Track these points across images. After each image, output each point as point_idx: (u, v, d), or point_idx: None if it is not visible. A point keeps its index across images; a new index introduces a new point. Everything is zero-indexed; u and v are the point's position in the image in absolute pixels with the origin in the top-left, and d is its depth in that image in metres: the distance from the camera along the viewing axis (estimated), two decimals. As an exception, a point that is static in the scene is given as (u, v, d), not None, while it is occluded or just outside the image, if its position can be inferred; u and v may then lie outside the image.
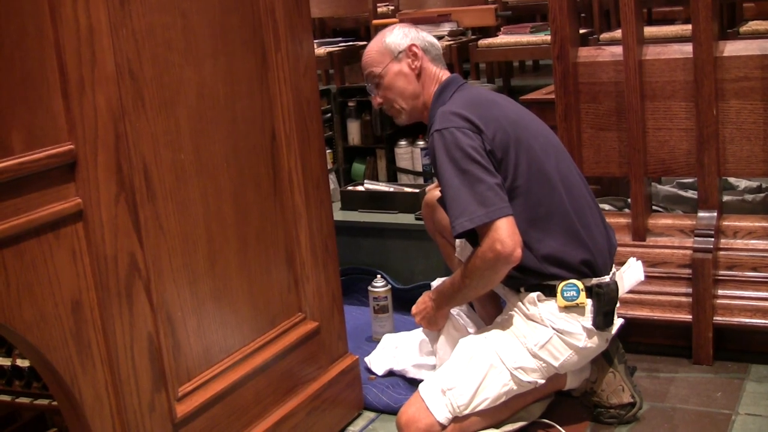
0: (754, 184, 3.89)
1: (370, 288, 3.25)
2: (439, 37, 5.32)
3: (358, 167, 4.30)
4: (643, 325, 3.02)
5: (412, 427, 2.50)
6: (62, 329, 1.75)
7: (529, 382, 2.55)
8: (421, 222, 3.25)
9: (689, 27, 3.06)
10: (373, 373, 3.03)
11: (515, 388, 2.54)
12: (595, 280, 2.55)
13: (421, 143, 4.01)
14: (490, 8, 5.89)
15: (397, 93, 2.73)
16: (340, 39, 6.32)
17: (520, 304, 2.59)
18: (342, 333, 2.70)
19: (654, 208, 3.48)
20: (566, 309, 2.53)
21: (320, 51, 5.78)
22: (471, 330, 2.77)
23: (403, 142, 4.07)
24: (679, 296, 3.02)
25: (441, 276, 2.82)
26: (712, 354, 2.97)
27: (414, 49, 2.71)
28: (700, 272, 2.95)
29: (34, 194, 1.70)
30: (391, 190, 3.87)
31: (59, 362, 1.76)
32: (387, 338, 3.18)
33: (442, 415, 2.49)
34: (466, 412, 2.50)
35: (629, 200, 3.25)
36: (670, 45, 3.17)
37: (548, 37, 3.26)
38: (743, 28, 4.68)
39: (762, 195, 3.68)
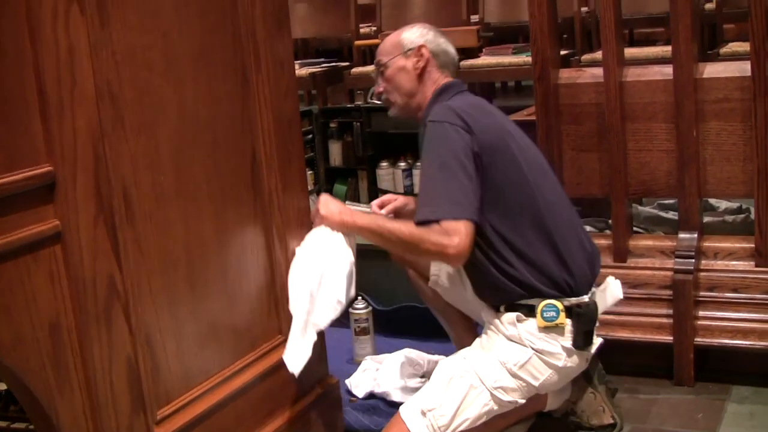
0: (734, 205, 3.91)
1: (351, 310, 3.24)
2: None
3: (340, 188, 4.31)
4: (625, 346, 3.02)
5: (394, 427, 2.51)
6: (40, 352, 1.74)
7: (509, 402, 2.54)
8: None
9: (670, 48, 3.07)
10: (354, 396, 3.02)
11: (496, 408, 2.53)
12: (574, 300, 2.55)
13: (402, 164, 4.02)
14: (473, 29, 5.91)
15: (395, 86, 2.79)
16: (322, 59, 6.33)
17: (498, 323, 2.59)
18: (323, 355, 2.68)
19: (635, 229, 3.49)
20: (546, 329, 2.52)
21: (302, 71, 5.78)
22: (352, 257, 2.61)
23: (384, 164, 4.08)
24: (660, 317, 3.03)
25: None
26: (693, 375, 2.97)
27: (423, 50, 2.77)
28: (681, 293, 2.96)
29: (12, 216, 1.68)
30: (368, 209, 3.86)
31: (36, 385, 1.74)
32: (368, 360, 3.17)
33: (418, 429, 2.48)
34: (445, 429, 2.49)
35: (610, 221, 3.26)
36: (650, 66, 3.19)
37: (530, 59, 3.27)
38: (723, 50, 4.72)
39: (742, 216, 3.69)
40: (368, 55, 6.41)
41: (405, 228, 2.50)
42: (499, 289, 2.56)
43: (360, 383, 3.06)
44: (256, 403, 2.38)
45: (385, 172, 4.05)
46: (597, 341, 2.64)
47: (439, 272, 2.86)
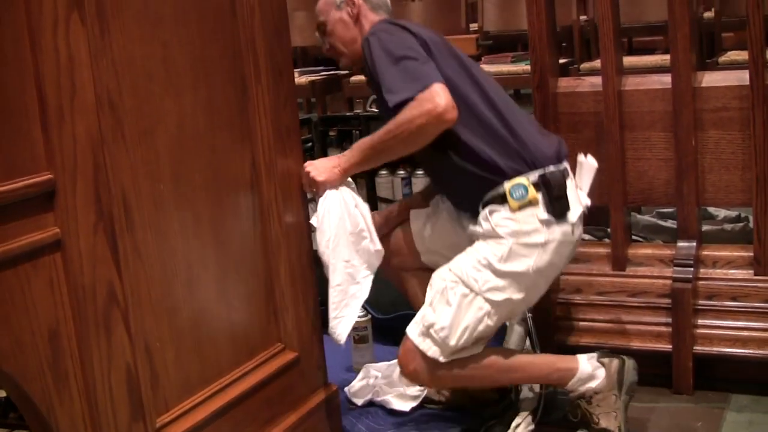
0: (733, 213, 3.92)
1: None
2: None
3: (339, 196, 4.30)
4: (624, 355, 3.02)
5: (409, 368, 2.61)
6: (39, 359, 1.74)
7: (505, 300, 2.57)
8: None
9: (669, 57, 3.08)
10: (354, 403, 3.02)
11: (493, 309, 2.57)
12: (539, 172, 2.58)
13: (401, 173, 4.01)
14: (471, 37, 5.91)
15: (338, 38, 2.91)
16: (321, 68, 6.33)
17: (475, 228, 2.64)
18: (322, 363, 2.69)
19: (634, 237, 3.49)
20: (520, 209, 2.56)
21: (302, 80, 5.78)
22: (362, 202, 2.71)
23: (383, 172, 4.07)
24: (659, 326, 3.03)
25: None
26: (692, 383, 2.98)
27: None
28: (680, 302, 2.96)
29: (12, 224, 1.69)
30: (370, 219, 3.86)
31: (36, 392, 1.74)
32: (367, 368, 3.17)
33: (433, 352, 2.56)
34: (454, 342, 2.54)
35: (609, 230, 3.26)
36: (649, 75, 3.20)
37: (529, 67, 3.28)
38: (722, 59, 4.72)
39: (741, 224, 3.70)
40: (368, 63, 6.41)
41: (389, 126, 2.56)
42: (469, 183, 2.62)
43: (359, 391, 3.06)
44: (255, 411, 2.38)
45: (384, 180, 4.04)
46: (577, 209, 2.65)
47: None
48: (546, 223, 2.56)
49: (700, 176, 3.08)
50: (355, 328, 3.21)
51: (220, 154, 2.26)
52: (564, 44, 6.29)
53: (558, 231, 2.57)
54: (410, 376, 2.64)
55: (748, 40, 2.93)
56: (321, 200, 2.60)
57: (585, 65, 5.04)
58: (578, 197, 2.67)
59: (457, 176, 2.65)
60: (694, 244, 3.07)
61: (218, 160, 2.25)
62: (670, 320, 3.00)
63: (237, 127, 2.32)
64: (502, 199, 2.58)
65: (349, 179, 2.70)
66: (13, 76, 1.70)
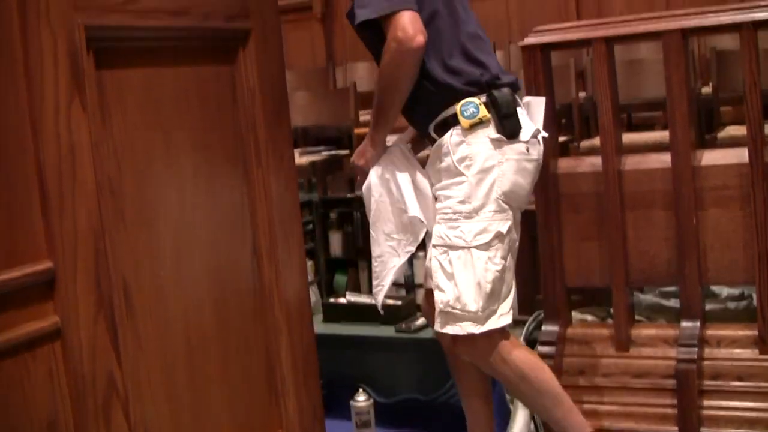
0: (736, 291, 3.89)
1: (352, 402, 3.21)
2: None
3: (340, 279, 4.30)
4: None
5: (465, 357, 2.71)
6: (37, 450, 1.72)
7: (496, 235, 2.59)
8: (403, 334, 3.25)
9: (668, 134, 3.10)
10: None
11: (492, 252, 2.59)
12: (484, 94, 2.62)
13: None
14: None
15: None
16: (322, 147, 6.36)
17: (432, 164, 2.69)
18: (324, 448, 2.65)
19: (636, 317, 3.47)
20: (471, 128, 2.58)
21: (303, 160, 5.81)
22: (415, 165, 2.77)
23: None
24: (665, 407, 3.00)
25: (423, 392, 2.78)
26: (699, 466, 2.93)
27: None
28: (685, 383, 2.93)
29: (11, 313, 1.67)
30: (373, 302, 3.85)
31: (34, 485, 1.72)
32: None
33: (464, 328, 2.58)
34: (474, 306, 2.56)
35: (612, 310, 3.25)
36: (649, 155, 3.21)
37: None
38: (721, 134, 4.75)
39: (744, 302, 3.67)
40: (368, 143, 6.44)
41: (378, 77, 2.66)
42: (421, 101, 2.65)
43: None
44: (256, 500, 2.35)
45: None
46: (529, 128, 2.67)
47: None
48: (497, 143, 2.59)
49: (702, 255, 3.07)
50: (357, 413, 3.19)
51: (222, 239, 2.25)
52: (563, 120, 6.32)
53: (510, 151, 2.60)
54: (473, 362, 2.70)
55: (746, 118, 2.95)
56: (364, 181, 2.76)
57: (585, 143, 5.06)
58: (532, 123, 2.71)
59: (414, 92, 2.65)
60: (698, 323, 3.05)
61: (219, 244, 2.24)
62: (675, 401, 2.97)
63: (238, 211, 2.32)
64: (453, 120, 2.62)
65: (397, 147, 2.78)
66: (15, 163, 1.70)
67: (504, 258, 2.61)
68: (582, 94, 6.27)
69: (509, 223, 2.60)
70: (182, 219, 2.12)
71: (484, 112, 2.58)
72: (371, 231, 2.73)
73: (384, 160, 2.74)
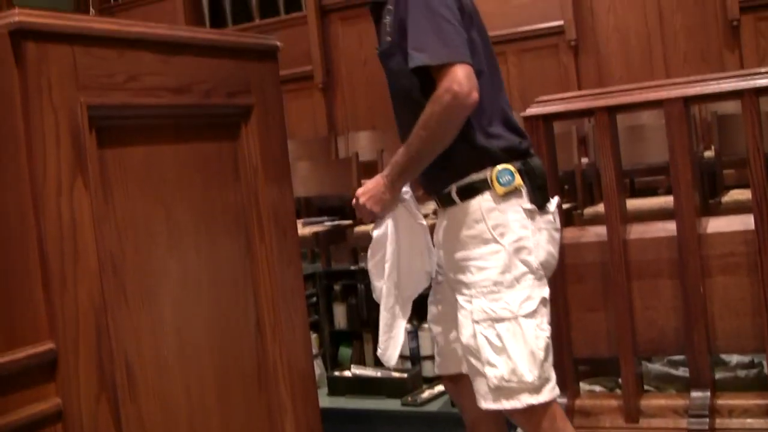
0: (746, 359, 3.85)
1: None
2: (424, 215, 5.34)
3: (345, 351, 4.26)
4: None
5: (515, 422, 2.60)
6: None
7: (541, 301, 2.52)
8: (409, 408, 3.21)
9: (672, 199, 3.09)
10: None
11: (538, 319, 2.51)
12: (521, 161, 2.55)
13: (407, 326, 3.98)
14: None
15: None
16: (325, 218, 6.35)
17: (447, 234, 2.60)
18: None
19: (645, 387, 3.43)
20: (505, 196, 2.50)
21: (305, 231, 5.79)
22: (423, 222, 2.69)
23: (389, 324, 4.04)
24: (677, 479, 2.95)
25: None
26: None
27: None
28: (697, 454, 2.89)
29: (12, 395, 1.65)
30: (379, 375, 3.82)
31: None
32: None
33: (523, 401, 2.48)
34: (531, 376, 2.47)
35: (620, 380, 3.21)
36: (653, 223, 3.20)
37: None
38: (725, 199, 4.73)
39: (755, 370, 3.64)
40: (371, 213, 6.44)
41: (420, 125, 2.48)
42: (451, 159, 2.54)
43: None
44: None
45: (390, 331, 4.01)
46: (554, 200, 2.63)
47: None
48: (529, 213, 2.53)
49: (710, 323, 3.05)
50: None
51: (224, 314, 2.23)
52: (566, 187, 6.32)
53: (542, 221, 2.55)
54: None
55: (751, 184, 2.95)
56: (377, 225, 2.65)
57: (588, 210, 5.04)
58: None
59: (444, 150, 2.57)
60: (708, 393, 3.02)
61: (222, 320, 2.22)
62: (687, 473, 2.93)
63: (241, 286, 2.30)
64: (481, 185, 2.54)
65: (405, 189, 2.65)
66: (17, 243, 1.69)
67: (549, 324, 2.56)
68: (584, 160, 6.28)
69: (548, 289, 2.56)
70: (184, 294, 2.10)
71: (519, 180, 2.51)
72: (383, 282, 2.62)
73: (399, 208, 2.64)
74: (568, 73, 7.90)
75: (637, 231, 3.14)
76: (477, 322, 2.53)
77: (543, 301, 2.52)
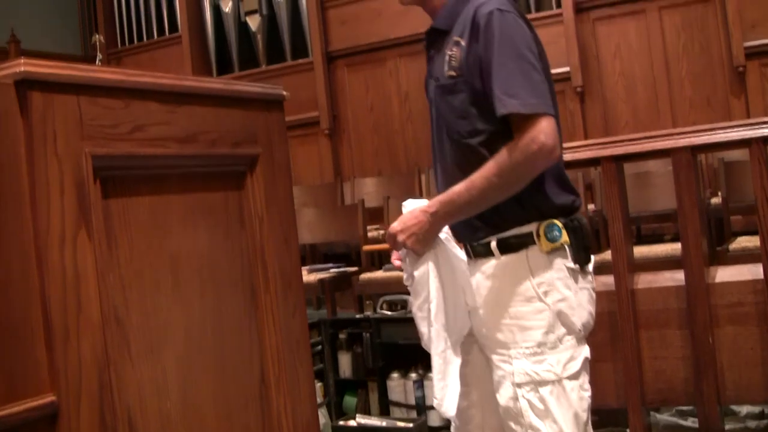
0: (756, 409, 3.82)
1: None
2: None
3: (350, 400, 4.23)
4: None
5: None
6: None
7: (583, 362, 2.45)
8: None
9: (679, 246, 3.07)
10: None
11: (581, 380, 2.44)
12: (567, 217, 2.44)
13: (413, 375, 3.96)
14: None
15: None
16: (331, 264, 6.34)
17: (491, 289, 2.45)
18: None
19: (654, 438, 3.40)
20: (550, 253, 2.39)
21: (311, 278, 5.78)
22: (463, 257, 2.53)
23: (395, 375, 4.02)
24: None
25: None
26: None
27: None
28: (707, 508, 2.85)
29: (12, 450, 1.63)
30: (384, 424, 3.79)
31: None
32: None
33: None
34: None
35: (628, 431, 3.18)
36: (661, 272, 3.18)
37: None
38: (733, 245, 4.71)
39: (766, 421, 3.60)
40: (377, 259, 6.43)
41: (492, 170, 2.34)
42: (496, 210, 2.42)
43: None
44: None
45: (395, 383, 3.99)
46: (592, 259, 2.52)
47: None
48: (572, 272, 2.42)
49: (719, 373, 3.02)
50: None
51: (229, 367, 2.21)
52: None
53: (583, 281, 2.45)
54: None
55: (760, 234, 2.93)
56: (418, 264, 2.48)
57: (596, 258, 5.02)
58: None
59: None
60: (718, 444, 2.98)
61: (226, 372, 2.19)
62: None
63: (246, 338, 2.28)
64: (528, 239, 2.42)
65: (447, 233, 2.52)
66: (19, 296, 1.67)
67: (590, 383, 2.48)
68: (591, 207, 6.27)
69: (588, 348, 2.48)
70: (188, 346, 2.08)
71: (565, 237, 2.40)
72: (432, 327, 2.45)
73: (439, 242, 2.49)
74: (575, 119, 7.93)
75: (645, 280, 3.12)
76: (519, 385, 2.43)
77: (585, 360, 2.45)
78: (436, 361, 2.44)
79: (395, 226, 2.49)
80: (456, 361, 2.47)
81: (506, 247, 2.46)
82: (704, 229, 3.14)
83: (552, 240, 2.39)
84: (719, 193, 5.85)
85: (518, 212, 2.43)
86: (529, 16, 8.03)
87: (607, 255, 3.59)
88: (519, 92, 2.31)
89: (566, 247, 2.41)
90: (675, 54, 7.70)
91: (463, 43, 2.44)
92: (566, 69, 7.84)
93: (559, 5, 7.97)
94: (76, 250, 1.78)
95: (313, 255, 7.21)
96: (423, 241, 2.46)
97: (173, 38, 9.82)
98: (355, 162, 8.81)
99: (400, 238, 2.46)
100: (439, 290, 2.46)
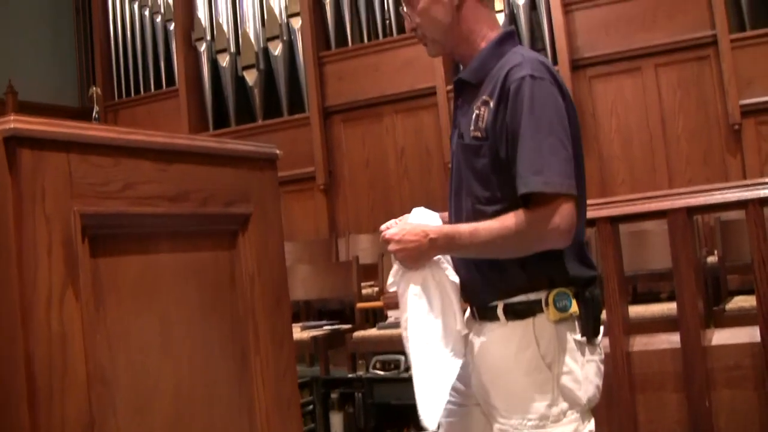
0: (753, 474, 3.78)
1: None
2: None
3: (342, 460, 4.19)
4: None
5: None
6: None
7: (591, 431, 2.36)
8: None
9: (675, 306, 3.04)
10: None
11: None
12: (578, 288, 2.34)
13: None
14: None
15: (430, 21, 2.49)
16: (324, 322, 6.31)
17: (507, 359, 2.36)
18: None
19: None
20: (558, 322, 2.30)
21: (303, 335, 5.73)
22: (456, 281, 2.43)
23: (388, 433, 3.97)
24: None
25: None
26: None
27: None
28: None
29: None
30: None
31: None
32: None
33: None
34: None
35: (624, 497, 3.14)
36: (657, 335, 3.16)
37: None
38: (729, 305, 4.68)
39: (761, 487, 3.56)
40: (370, 316, 6.40)
41: (486, 224, 2.28)
42: (506, 273, 2.35)
43: None
44: None
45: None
46: (602, 330, 2.42)
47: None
48: (579, 344, 2.34)
49: (716, 438, 2.98)
50: None
51: (218, 428, 2.17)
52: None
53: (590, 353, 2.36)
54: None
55: (756, 296, 2.92)
56: (408, 277, 2.41)
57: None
58: None
59: (499, 261, 2.37)
60: None
61: (215, 434, 2.16)
62: None
63: (235, 399, 2.24)
64: (536, 307, 2.33)
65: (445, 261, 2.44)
66: (3, 354, 1.64)
67: None
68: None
69: (593, 420, 2.40)
70: (177, 408, 2.05)
71: (575, 307, 2.31)
72: (409, 341, 2.38)
73: (434, 265, 2.41)
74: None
75: (640, 343, 3.09)
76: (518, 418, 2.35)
77: None
78: (418, 389, 2.35)
79: (394, 231, 2.41)
80: (444, 377, 2.37)
81: (513, 313, 2.37)
82: (700, 290, 3.12)
83: (561, 309, 2.31)
84: (716, 252, 5.84)
85: (528, 279, 2.35)
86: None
87: (603, 315, 3.56)
88: (543, 169, 2.23)
89: (575, 318, 2.34)
90: (671, 111, 7.74)
91: (491, 104, 2.37)
92: (563, 126, 7.85)
93: (555, 62, 8.00)
94: (63, 309, 1.75)
95: (307, 311, 7.17)
96: (412, 261, 2.39)
97: (170, 92, 9.86)
98: (350, 218, 8.80)
99: (392, 248, 2.39)
100: (421, 307, 2.39)
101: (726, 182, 7.29)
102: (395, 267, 2.48)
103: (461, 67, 2.57)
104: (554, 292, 2.31)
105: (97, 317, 1.84)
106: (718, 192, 2.97)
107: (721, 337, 3.04)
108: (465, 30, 2.48)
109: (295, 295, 6.56)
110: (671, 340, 3.04)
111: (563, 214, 2.22)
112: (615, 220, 3.08)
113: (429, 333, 2.37)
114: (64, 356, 1.74)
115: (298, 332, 5.71)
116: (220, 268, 2.21)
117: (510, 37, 2.49)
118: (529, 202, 2.27)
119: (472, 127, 2.41)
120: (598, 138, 7.97)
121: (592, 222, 3.14)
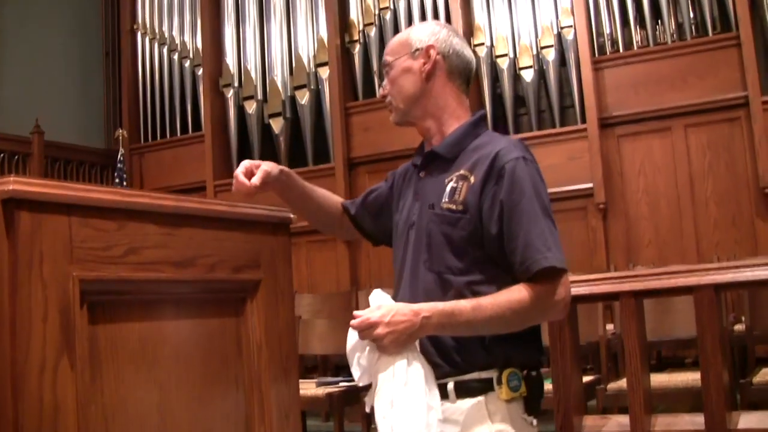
0: None
1: None
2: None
3: None
4: None
5: None
6: None
7: None
8: None
9: (699, 376, 2.93)
10: None
11: None
12: (526, 370, 2.37)
13: None
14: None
15: (398, 90, 2.54)
16: (340, 378, 6.20)
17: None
18: None
19: None
20: (509, 402, 2.32)
21: (319, 392, 5.63)
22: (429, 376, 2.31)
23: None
24: None
25: None
26: None
27: (431, 51, 2.52)
28: None
29: None
30: None
31: None
32: None
33: None
34: None
35: None
36: (680, 415, 3.05)
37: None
38: (757, 378, 4.54)
39: None
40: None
41: (508, 306, 2.27)
42: (459, 352, 2.34)
43: None
44: None
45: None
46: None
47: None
48: (523, 423, 2.34)
49: None
50: None
51: (217, 504, 2.08)
52: (589, 359, 6.15)
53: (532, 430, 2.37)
54: None
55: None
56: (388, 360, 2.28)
57: (612, 386, 4.86)
58: None
59: (463, 340, 2.35)
60: None
61: None
62: None
63: (237, 475, 2.15)
64: (486, 385, 2.33)
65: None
66: (-10, 429, 1.57)
67: None
68: (609, 327, 6.11)
69: None
70: (175, 483, 1.96)
71: (523, 388, 2.33)
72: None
73: (416, 350, 2.30)
74: (597, 236, 7.84)
75: (662, 423, 2.98)
76: None
77: None
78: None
79: (380, 313, 2.27)
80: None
81: (464, 392, 2.35)
82: (726, 361, 3.01)
83: (513, 389, 2.33)
84: (743, 319, 5.69)
85: (484, 356, 2.35)
86: (552, 131, 8.13)
87: (623, 383, 3.45)
88: (552, 249, 2.30)
89: (522, 397, 2.35)
90: (700, 173, 7.64)
91: (472, 180, 2.40)
92: (589, 185, 7.79)
93: (584, 120, 7.93)
94: (57, 379, 1.68)
95: (324, 366, 7.08)
96: (401, 345, 2.26)
97: (196, 136, 9.85)
98: (373, 271, 8.71)
99: (381, 331, 2.24)
100: (401, 387, 2.25)
101: (755, 246, 7.19)
102: (368, 355, 2.37)
103: (426, 141, 2.62)
104: (507, 371, 2.33)
105: (93, 388, 1.76)
106: (748, 269, 2.87)
107: (748, 420, 2.92)
108: (432, 105, 2.54)
109: (312, 350, 6.47)
110: (695, 421, 2.93)
111: (568, 287, 2.34)
112: (639, 295, 2.98)
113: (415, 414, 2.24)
114: (56, 429, 1.66)
115: (314, 389, 5.61)
116: (226, 335, 2.13)
117: (483, 119, 2.58)
118: (532, 277, 2.30)
119: (446, 199, 2.43)
120: (625, 198, 7.87)
121: (615, 296, 3.04)
